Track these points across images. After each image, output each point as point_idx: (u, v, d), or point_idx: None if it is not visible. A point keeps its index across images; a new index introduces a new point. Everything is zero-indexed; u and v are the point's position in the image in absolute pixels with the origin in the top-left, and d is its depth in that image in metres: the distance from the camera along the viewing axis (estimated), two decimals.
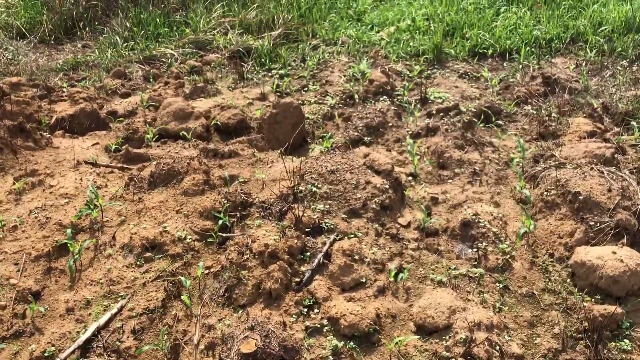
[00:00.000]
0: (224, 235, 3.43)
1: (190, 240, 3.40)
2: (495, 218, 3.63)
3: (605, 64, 5.81)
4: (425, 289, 3.20)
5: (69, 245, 3.22)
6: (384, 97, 5.52)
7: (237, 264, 3.15)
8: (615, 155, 4.06)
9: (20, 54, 6.80)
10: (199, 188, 3.76)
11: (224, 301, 3.04)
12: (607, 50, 6.01)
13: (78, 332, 2.84)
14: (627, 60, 5.85)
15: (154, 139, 4.77)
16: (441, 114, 5.11)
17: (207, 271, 3.22)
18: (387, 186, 3.83)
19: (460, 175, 4.15)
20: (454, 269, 3.32)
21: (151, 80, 6.16)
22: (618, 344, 2.84)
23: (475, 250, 3.43)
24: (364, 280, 3.17)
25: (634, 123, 4.57)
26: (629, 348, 2.81)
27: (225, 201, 3.62)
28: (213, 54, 6.79)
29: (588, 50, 6.07)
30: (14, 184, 3.86)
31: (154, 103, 5.47)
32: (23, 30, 7.42)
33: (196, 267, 3.21)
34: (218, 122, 4.98)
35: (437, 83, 5.83)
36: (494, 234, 3.51)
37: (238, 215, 3.59)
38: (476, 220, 3.58)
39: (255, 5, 7.64)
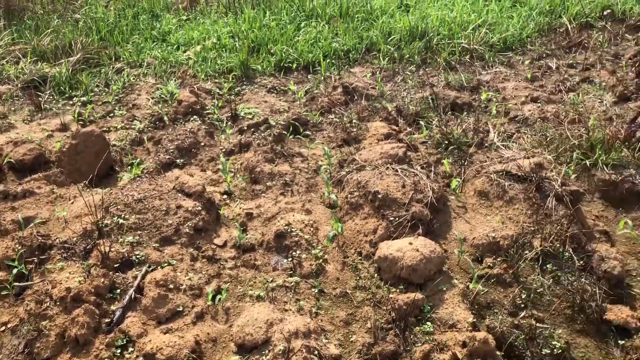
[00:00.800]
0: (20, 285, 3.12)
1: None
2: (307, 225, 3.77)
3: (397, 70, 6.35)
4: (245, 306, 3.21)
5: None
6: (195, 116, 5.46)
7: (36, 315, 2.88)
8: (408, 153, 4.44)
9: None
10: None
11: (24, 358, 2.76)
12: (397, 58, 6.57)
13: None
14: (415, 65, 6.45)
15: None
16: (252, 129, 5.19)
17: (3, 328, 2.91)
18: (200, 208, 3.78)
19: (273, 188, 4.24)
20: (271, 281, 3.37)
21: None
22: (422, 328, 3.10)
23: (290, 259, 3.52)
24: (181, 309, 3.09)
25: (421, 122, 5.05)
26: (431, 329, 3.08)
27: (20, 247, 3.30)
28: (3, 86, 6.18)
29: (381, 59, 6.58)
30: None
31: None
32: None
33: None
34: (12, 160, 4.53)
35: (247, 99, 5.91)
36: (307, 241, 3.64)
37: (36, 260, 3.29)
38: (289, 230, 3.68)
39: (49, 30, 7.12)
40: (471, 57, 6.50)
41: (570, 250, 3.55)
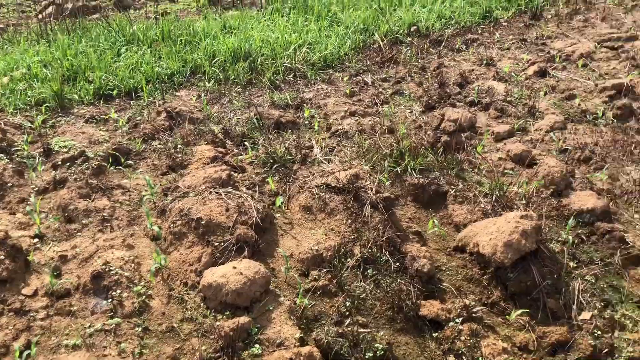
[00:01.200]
0: None
1: None
2: (128, 262, 3.59)
3: (223, 91, 6.35)
4: (59, 358, 2.97)
5: None
6: (1, 155, 4.98)
7: None
8: (232, 175, 4.44)
9: None
10: None
11: None
12: (222, 79, 6.57)
13: None
14: (241, 86, 6.50)
15: None
16: (67, 163, 4.85)
17: None
18: (3, 257, 3.44)
19: (90, 225, 3.99)
20: (89, 326, 3.16)
21: None
22: (250, 351, 3.09)
23: (110, 300, 3.33)
24: None
25: (246, 143, 5.09)
26: (260, 352, 3.09)
27: None
28: None
29: (207, 81, 6.54)
30: None
31: None
32: None
33: None
34: None
35: (62, 131, 5.53)
36: (127, 278, 3.47)
37: None
38: (107, 270, 3.48)
39: None
40: (294, 76, 6.70)
41: (387, 253, 3.77)
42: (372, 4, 8.51)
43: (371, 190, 4.14)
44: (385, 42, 7.41)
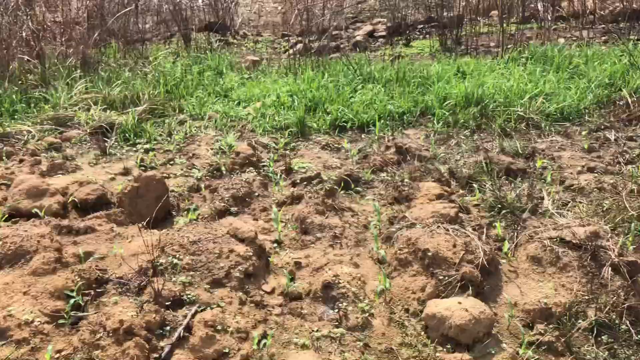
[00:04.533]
0: (76, 315, 3.24)
1: (39, 322, 3.16)
2: (355, 278, 3.78)
3: (451, 134, 6.42)
4: (289, 353, 3.22)
5: None
6: (251, 168, 5.64)
7: (89, 344, 2.97)
8: (459, 214, 4.43)
9: None
10: (49, 267, 3.54)
11: None
12: (451, 122, 6.65)
13: None
14: (469, 130, 6.50)
15: (4, 219, 4.46)
16: (304, 182, 5.31)
17: (57, 355, 3.00)
18: (251, 253, 3.86)
19: (322, 240, 4.29)
20: (317, 331, 3.37)
21: (4, 158, 5.79)
22: None
23: (336, 311, 3.53)
24: (227, 351, 3.12)
25: (475, 185, 5.05)
26: None
27: (79, 279, 3.44)
28: (74, 130, 6.58)
29: (436, 122, 6.68)
30: None
31: (5, 182, 5.15)
32: None
33: (45, 352, 2.98)
34: (75, 199, 4.77)
35: (301, 154, 6.08)
36: (354, 294, 3.64)
37: (93, 293, 3.42)
38: (336, 282, 3.69)
39: (120, 81, 7.59)
40: (527, 125, 6.51)
41: (628, 322, 3.41)
42: (621, 58, 7.94)
43: (613, 252, 3.80)
44: (634, 98, 6.82)
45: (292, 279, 3.83)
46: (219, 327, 3.22)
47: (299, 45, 9.85)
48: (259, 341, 3.23)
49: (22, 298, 3.33)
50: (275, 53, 10.28)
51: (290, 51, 9.79)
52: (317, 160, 5.88)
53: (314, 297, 3.66)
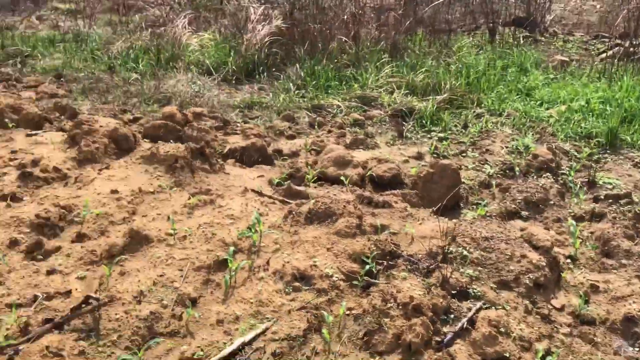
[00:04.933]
0: (368, 280, 3.48)
1: (337, 278, 3.48)
2: None
3: None
4: None
5: (228, 261, 3.46)
6: (548, 174, 5.32)
7: (379, 311, 3.16)
8: None
9: (205, 89, 7.56)
10: (351, 231, 3.87)
11: (362, 344, 3.05)
12: None
13: (225, 343, 3.01)
14: None
15: (313, 180, 5.01)
16: (610, 200, 4.80)
17: (348, 312, 3.27)
18: (544, 264, 3.65)
19: (627, 267, 3.83)
20: None
21: (316, 127, 6.50)
22: None
23: (637, 349, 3.12)
24: (507, 355, 3.02)
25: None
26: None
27: (375, 248, 3.69)
28: (376, 110, 7.03)
29: None
30: (189, 199, 4.26)
31: (316, 148, 5.78)
32: (211, 68, 8.25)
33: (339, 306, 3.27)
34: (373, 174, 5.11)
35: (607, 168, 5.51)
36: None
37: (385, 264, 3.63)
38: None
39: (423, 69, 7.84)
40: None
41: None
42: None
43: None
44: None
45: (587, 302, 3.51)
46: (502, 330, 3.13)
47: (618, 49, 8.87)
48: (543, 356, 3.04)
49: (325, 253, 3.70)
50: (587, 55, 9.45)
51: (604, 55, 8.89)
52: (627, 178, 5.26)
53: (610, 327, 3.30)
